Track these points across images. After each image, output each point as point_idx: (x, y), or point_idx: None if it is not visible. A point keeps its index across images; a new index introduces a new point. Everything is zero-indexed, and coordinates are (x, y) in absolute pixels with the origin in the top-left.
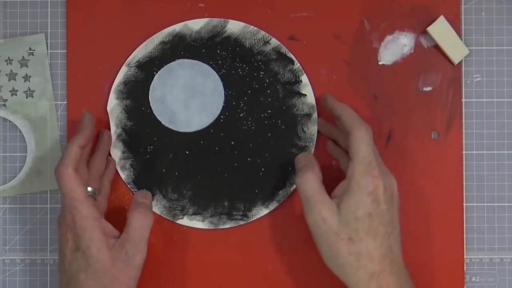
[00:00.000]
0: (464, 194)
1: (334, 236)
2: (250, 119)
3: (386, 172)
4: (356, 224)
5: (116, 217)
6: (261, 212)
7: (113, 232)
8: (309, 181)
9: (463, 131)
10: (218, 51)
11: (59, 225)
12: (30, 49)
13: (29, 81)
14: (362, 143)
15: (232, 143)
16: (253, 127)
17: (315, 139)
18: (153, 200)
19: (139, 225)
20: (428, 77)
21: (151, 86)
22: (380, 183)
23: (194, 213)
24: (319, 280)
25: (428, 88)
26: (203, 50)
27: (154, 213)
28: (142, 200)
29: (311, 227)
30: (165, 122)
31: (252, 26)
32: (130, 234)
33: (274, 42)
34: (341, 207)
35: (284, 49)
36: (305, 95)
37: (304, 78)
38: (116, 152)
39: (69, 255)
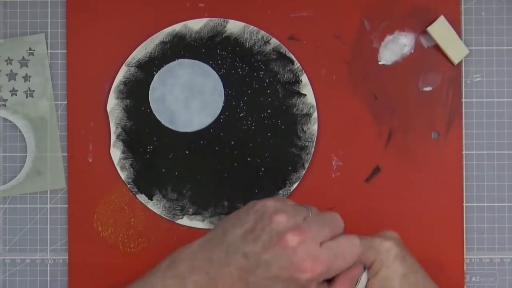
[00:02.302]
0: (464, 194)
1: None
2: (250, 119)
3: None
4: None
5: (115, 217)
6: None
7: None
8: None
9: (463, 131)
10: (218, 51)
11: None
12: (30, 49)
13: (29, 81)
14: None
15: (232, 143)
16: (253, 127)
17: (315, 139)
18: (152, 200)
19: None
20: (428, 77)
21: (151, 86)
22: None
23: (194, 213)
24: None
25: (428, 88)
26: (203, 50)
27: (154, 213)
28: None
29: None
30: (165, 122)
31: (252, 26)
32: None
33: (274, 42)
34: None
35: (284, 49)
36: (305, 95)
37: (304, 78)
38: (116, 152)
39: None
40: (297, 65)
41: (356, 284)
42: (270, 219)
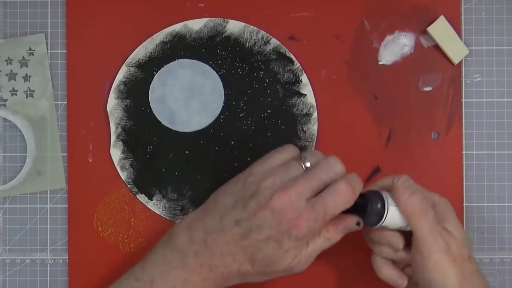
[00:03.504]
0: (464, 194)
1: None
2: (250, 119)
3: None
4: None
5: (115, 217)
6: None
7: None
8: (384, 271)
9: (463, 131)
10: (218, 51)
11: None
12: (30, 49)
13: (29, 81)
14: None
15: (232, 143)
16: (253, 127)
17: (315, 139)
18: (152, 200)
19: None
20: (428, 77)
21: (151, 86)
22: (451, 241)
23: None
24: (318, 279)
25: (428, 88)
26: (203, 50)
27: (154, 213)
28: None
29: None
30: (165, 122)
31: (252, 26)
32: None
33: (274, 42)
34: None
35: (284, 49)
36: (305, 95)
37: (304, 78)
38: (116, 152)
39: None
40: (297, 65)
41: (382, 220)
42: (258, 186)
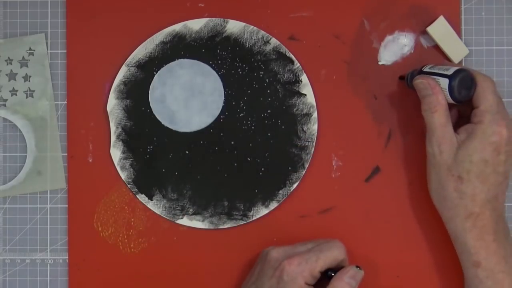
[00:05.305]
0: None
1: (446, 170)
2: (250, 119)
3: None
4: (469, 166)
5: (115, 217)
6: (261, 212)
7: None
8: (436, 113)
9: None
10: (218, 51)
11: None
12: (30, 49)
13: (29, 81)
14: (490, 93)
15: (232, 143)
16: (253, 127)
17: (315, 138)
18: (152, 200)
19: None
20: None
21: (151, 86)
22: (504, 134)
23: (194, 213)
24: None
25: None
26: (203, 50)
27: (154, 213)
28: (350, 280)
29: (428, 155)
30: (165, 122)
31: (252, 26)
32: None
33: (274, 42)
34: (461, 147)
35: (284, 49)
36: (305, 95)
37: (304, 78)
38: (116, 152)
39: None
40: (297, 65)
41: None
42: None
